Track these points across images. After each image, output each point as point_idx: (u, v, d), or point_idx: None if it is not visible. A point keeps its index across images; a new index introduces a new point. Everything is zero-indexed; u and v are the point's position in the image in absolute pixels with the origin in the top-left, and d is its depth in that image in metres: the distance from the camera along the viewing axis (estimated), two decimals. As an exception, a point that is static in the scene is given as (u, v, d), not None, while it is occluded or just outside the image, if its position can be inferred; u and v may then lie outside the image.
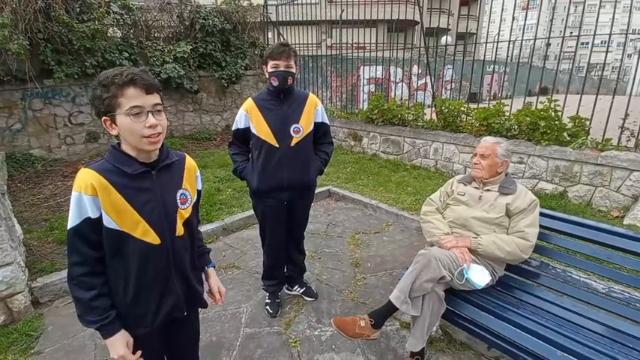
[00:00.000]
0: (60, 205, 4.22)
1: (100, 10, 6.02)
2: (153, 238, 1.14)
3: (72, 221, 1.06)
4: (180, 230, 1.22)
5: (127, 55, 6.41)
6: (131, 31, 6.88)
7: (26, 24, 5.06)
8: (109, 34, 6.43)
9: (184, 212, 1.23)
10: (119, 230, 1.09)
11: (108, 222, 1.08)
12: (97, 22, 5.88)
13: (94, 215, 1.06)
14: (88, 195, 1.04)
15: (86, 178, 1.05)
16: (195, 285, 1.33)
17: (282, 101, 2.15)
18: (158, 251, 1.16)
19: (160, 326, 1.26)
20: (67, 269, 2.65)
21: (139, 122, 1.03)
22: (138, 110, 1.03)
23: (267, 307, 2.51)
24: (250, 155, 2.28)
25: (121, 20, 6.63)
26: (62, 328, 2.38)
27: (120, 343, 1.15)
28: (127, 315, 1.19)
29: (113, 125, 1.06)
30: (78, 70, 5.83)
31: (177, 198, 1.21)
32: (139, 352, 1.20)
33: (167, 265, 1.20)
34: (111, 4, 6.44)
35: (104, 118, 1.06)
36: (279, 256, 2.50)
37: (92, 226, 1.06)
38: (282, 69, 2.05)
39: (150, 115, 1.05)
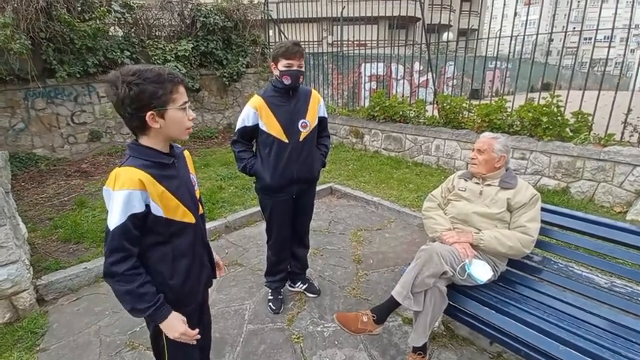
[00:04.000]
0: (63, 203, 4.25)
1: (102, 9, 6.03)
2: (190, 218, 1.28)
3: (117, 219, 1.09)
4: (200, 209, 1.38)
5: (128, 53, 6.42)
6: (132, 29, 6.88)
7: (28, 23, 5.07)
8: (110, 33, 6.44)
9: (197, 193, 1.38)
10: (164, 217, 1.19)
11: (156, 210, 1.16)
12: (98, 21, 5.88)
13: (139, 210, 1.12)
14: (137, 190, 1.10)
15: (131, 175, 1.10)
16: (212, 256, 1.51)
17: (289, 98, 2.19)
18: (194, 229, 1.31)
19: (200, 299, 1.42)
20: (80, 272, 2.64)
21: (185, 116, 1.19)
22: (185, 105, 1.19)
23: (270, 303, 2.53)
24: (257, 152, 2.28)
25: (122, 19, 6.63)
26: (67, 326, 2.40)
27: (177, 320, 1.21)
28: (178, 297, 1.27)
29: (157, 119, 1.13)
30: (80, 69, 5.84)
31: (192, 181, 1.35)
32: (197, 330, 1.27)
33: (200, 240, 1.36)
34: (112, 3, 6.44)
35: (150, 112, 1.11)
36: (284, 251, 2.52)
37: (135, 222, 1.12)
38: (295, 68, 2.09)
39: (189, 109, 1.21)
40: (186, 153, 1.40)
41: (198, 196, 1.39)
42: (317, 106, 2.29)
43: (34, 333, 2.31)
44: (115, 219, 1.09)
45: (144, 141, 1.18)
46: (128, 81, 1.07)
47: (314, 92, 2.31)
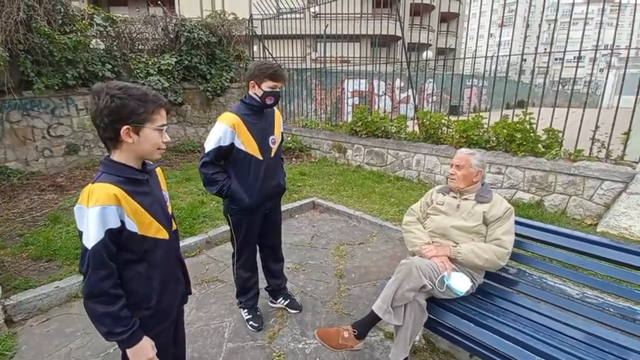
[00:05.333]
0: (35, 219, 4.09)
1: (83, 22, 5.98)
2: (163, 234, 1.28)
3: (96, 236, 1.08)
4: (174, 225, 1.39)
5: (109, 66, 6.36)
6: (115, 43, 6.84)
7: (6, 35, 4.97)
8: (91, 46, 6.37)
9: (169, 209, 1.39)
10: (139, 234, 1.19)
11: (131, 226, 1.16)
12: (79, 34, 5.83)
13: (115, 225, 1.11)
14: (112, 206, 1.10)
15: (106, 191, 1.10)
16: (187, 271, 1.50)
17: (262, 116, 2.21)
18: (168, 245, 1.31)
19: (176, 316, 1.41)
20: (50, 292, 2.55)
21: (160, 137, 1.21)
22: (163, 128, 1.22)
23: (251, 322, 2.47)
24: (232, 173, 2.20)
25: (105, 32, 6.59)
26: (36, 348, 2.29)
27: (149, 345, 1.21)
28: (153, 315, 1.26)
29: (131, 134, 1.14)
30: (58, 81, 5.73)
31: (164, 197, 1.36)
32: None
33: (174, 256, 1.37)
34: (94, 16, 6.41)
35: (126, 127, 1.12)
36: (255, 264, 2.50)
37: (113, 236, 1.11)
38: (278, 90, 2.14)
39: (165, 132, 1.24)
40: (158, 170, 1.40)
41: (170, 212, 1.39)
42: (280, 122, 2.37)
43: (2, 355, 2.18)
44: (92, 236, 1.08)
45: (115, 156, 1.18)
46: (112, 94, 1.09)
47: (276, 109, 2.36)
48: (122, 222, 1.13)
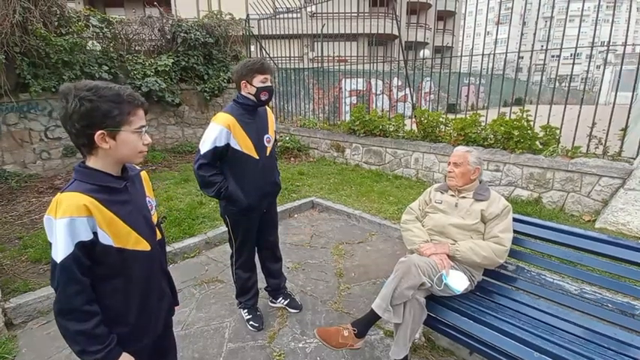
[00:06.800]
0: (34, 222, 4.09)
1: (79, 23, 5.97)
2: (144, 245, 1.19)
3: (65, 250, 1.00)
4: (158, 234, 1.30)
5: (106, 68, 6.34)
6: (111, 44, 6.82)
7: (2, 38, 4.96)
8: (88, 48, 6.36)
9: (154, 218, 1.30)
10: (114, 247, 1.09)
11: (105, 239, 1.07)
12: (75, 36, 5.82)
13: (86, 238, 1.03)
14: (82, 217, 1.01)
15: (76, 201, 1.01)
16: (173, 283, 1.43)
17: (255, 115, 2.21)
18: (150, 257, 1.22)
19: (161, 330, 1.32)
20: (50, 294, 2.52)
21: (140, 140, 1.12)
22: (141, 129, 1.12)
23: (251, 322, 2.47)
24: (228, 173, 2.18)
25: (101, 33, 6.58)
26: (37, 350, 2.28)
27: None
28: (133, 330, 1.19)
29: (107, 139, 1.05)
30: (55, 83, 5.72)
31: (147, 205, 1.28)
32: None
33: (158, 269, 1.28)
34: (90, 17, 6.40)
35: (100, 132, 1.03)
36: (254, 266, 2.50)
37: (84, 250, 1.03)
38: (269, 83, 2.13)
39: (145, 133, 1.14)
40: (143, 174, 1.31)
41: (155, 221, 1.30)
42: (273, 121, 2.37)
43: (3, 358, 2.18)
44: (61, 249, 1.00)
45: (91, 162, 1.09)
46: (81, 96, 0.99)
47: (268, 108, 2.36)
48: (95, 234, 1.04)
